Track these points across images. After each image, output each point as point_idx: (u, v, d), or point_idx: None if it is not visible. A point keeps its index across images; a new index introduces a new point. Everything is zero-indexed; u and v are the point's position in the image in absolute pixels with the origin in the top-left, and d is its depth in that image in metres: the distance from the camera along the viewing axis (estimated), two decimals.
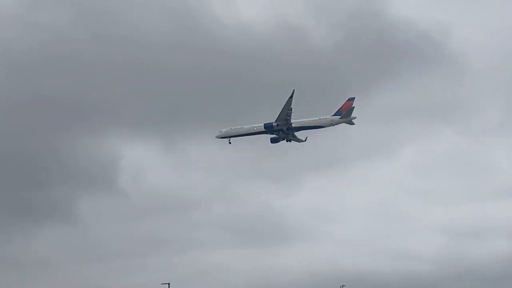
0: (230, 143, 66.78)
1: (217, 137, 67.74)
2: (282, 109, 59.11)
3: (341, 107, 57.41)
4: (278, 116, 60.08)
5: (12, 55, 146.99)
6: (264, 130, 62.62)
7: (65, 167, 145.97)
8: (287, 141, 63.69)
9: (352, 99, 57.24)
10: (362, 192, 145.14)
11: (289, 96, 58.19)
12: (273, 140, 63.14)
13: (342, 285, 64.18)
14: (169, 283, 50.65)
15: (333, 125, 59.60)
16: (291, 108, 58.61)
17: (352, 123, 58.48)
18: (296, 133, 63.40)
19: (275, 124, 61.05)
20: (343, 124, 62.43)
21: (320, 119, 60.01)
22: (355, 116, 55.64)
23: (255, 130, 64.38)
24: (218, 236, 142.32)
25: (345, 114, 55.38)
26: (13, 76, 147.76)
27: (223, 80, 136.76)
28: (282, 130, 61.95)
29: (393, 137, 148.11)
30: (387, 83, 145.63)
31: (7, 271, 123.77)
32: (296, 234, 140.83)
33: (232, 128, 65.31)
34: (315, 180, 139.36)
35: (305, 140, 62.20)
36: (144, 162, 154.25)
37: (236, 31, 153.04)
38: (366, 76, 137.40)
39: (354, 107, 56.48)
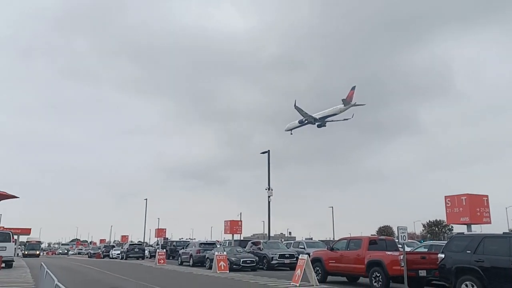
0: (291, 134, 75.95)
1: (285, 130, 77.31)
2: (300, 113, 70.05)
3: (347, 96, 64.53)
4: (302, 115, 70.52)
5: None
6: (302, 123, 72.20)
7: (403, 81, 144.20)
8: (324, 125, 71.56)
9: (353, 87, 64.70)
10: None
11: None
12: (318, 126, 71.35)
13: None
14: None
15: (342, 112, 67.22)
16: (302, 110, 68.69)
17: (361, 104, 65.60)
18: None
19: (304, 120, 70.76)
20: None
21: (333, 108, 68.03)
22: (355, 102, 63.08)
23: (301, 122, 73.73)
24: None
25: (346, 101, 63.75)
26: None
27: None
28: (311, 122, 70.57)
29: None
30: None
31: (370, 183, 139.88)
32: None
33: (290, 123, 74.93)
34: None
35: (352, 117, 67.95)
36: (480, 57, 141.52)
37: None
38: None
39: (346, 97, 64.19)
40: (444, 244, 14.09)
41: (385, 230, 79.91)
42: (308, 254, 17.45)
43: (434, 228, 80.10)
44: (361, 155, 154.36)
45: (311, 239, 59.28)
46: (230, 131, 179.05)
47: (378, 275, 14.09)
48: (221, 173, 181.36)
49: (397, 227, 13.18)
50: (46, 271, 6.73)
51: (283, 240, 57.33)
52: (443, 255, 12.70)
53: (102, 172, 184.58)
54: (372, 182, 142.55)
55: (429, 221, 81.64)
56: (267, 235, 42.37)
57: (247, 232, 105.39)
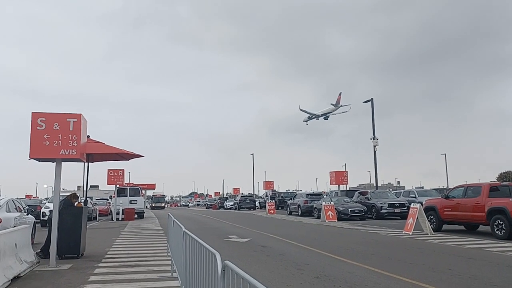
0: (307, 124, 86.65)
1: (303, 121, 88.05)
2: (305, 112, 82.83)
3: (336, 100, 75.44)
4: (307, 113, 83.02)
5: None
6: (310, 118, 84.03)
7: None
8: (326, 119, 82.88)
9: (340, 93, 75.43)
10: None
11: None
12: (324, 118, 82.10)
13: None
14: None
15: (334, 111, 78.02)
16: (306, 110, 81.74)
17: (347, 105, 76.60)
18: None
19: (311, 116, 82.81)
20: None
21: (328, 108, 79.02)
22: (341, 104, 73.92)
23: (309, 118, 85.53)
24: None
25: (335, 104, 74.95)
26: None
27: None
28: (316, 118, 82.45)
29: None
30: None
31: (488, 126, 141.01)
32: None
33: (304, 117, 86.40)
34: None
35: (349, 109, 78.29)
36: None
37: None
38: None
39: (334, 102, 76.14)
40: None
41: (507, 176, 73.28)
42: (420, 203, 16.92)
43: None
44: (478, 96, 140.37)
45: (422, 187, 56.95)
46: (329, 82, 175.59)
47: (501, 223, 13.24)
48: (323, 125, 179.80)
49: None
50: (174, 220, 7.65)
51: (391, 189, 56.07)
52: None
53: (212, 130, 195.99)
54: (491, 124, 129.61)
55: None
56: (374, 185, 41.70)
57: (352, 182, 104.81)
